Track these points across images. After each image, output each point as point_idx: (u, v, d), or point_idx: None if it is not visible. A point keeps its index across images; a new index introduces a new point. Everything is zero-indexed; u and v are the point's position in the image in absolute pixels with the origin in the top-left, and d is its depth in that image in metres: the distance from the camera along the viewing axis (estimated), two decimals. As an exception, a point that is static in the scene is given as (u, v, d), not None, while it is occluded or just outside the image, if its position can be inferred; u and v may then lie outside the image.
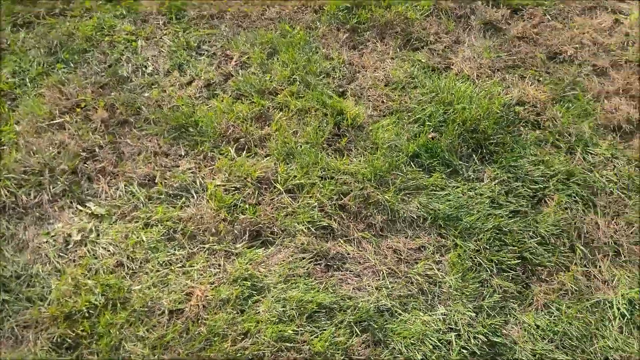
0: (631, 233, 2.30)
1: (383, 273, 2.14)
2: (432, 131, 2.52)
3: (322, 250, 2.18)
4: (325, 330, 1.98)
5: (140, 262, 2.10)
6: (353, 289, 2.11)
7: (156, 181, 2.30)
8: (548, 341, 2.03)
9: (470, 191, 2.36)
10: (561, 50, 2.93)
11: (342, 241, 2.22)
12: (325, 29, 2.93)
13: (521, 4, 3.14)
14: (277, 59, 2.76)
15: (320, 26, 2.94)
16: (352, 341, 1.97)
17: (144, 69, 2.70)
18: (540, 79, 2.80)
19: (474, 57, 2.85)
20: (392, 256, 2.19)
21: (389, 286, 2.11)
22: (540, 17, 3.07)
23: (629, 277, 2.19)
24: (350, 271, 2.15)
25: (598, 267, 2.22)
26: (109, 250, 2.11)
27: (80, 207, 2.21)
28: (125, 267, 2.08)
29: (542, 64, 2.86)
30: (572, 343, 2.03)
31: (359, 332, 1.99)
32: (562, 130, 2.58)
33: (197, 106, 2.55)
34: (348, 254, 2.19)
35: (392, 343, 1.98)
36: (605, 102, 2.72)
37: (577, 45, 2.95)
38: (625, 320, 2.09)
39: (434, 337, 1.99)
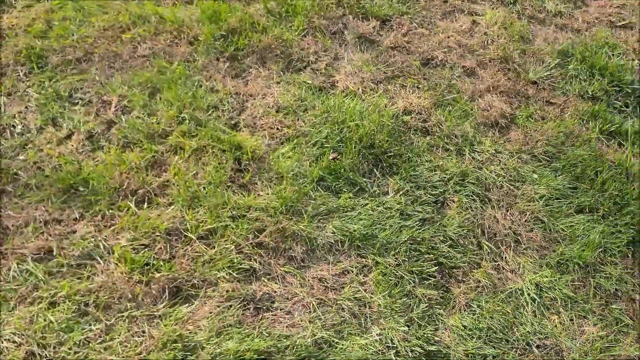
0: (525, 221, 2.50)
1: (313, 305, 2.13)
2: (332, 152, 2.55)
3: (248, 293, 2.12)
4: (268, 377, 1.94)
5: (54, 347, 1.90)
6: (287, 327, 2.08)
7: (54, 253, 2.09)
8: (476, 339, 2.15)
9: (379, 206, 2.42)
10: (432, 56, 3.10)
11: (266, 280, 2.17)
12: (205, 60, 2.84)
13: (388, 14, 3.27)
14: (160, 98, 2.63)
15: (199, 58, 2.85)
16: (297, 382, 1.95)
17: (12, 128, 2.44)
18: (420, 85, 2.94)
19: (356, 72, 2.93)
20: (319, 285, 2.19)
21: (322, 317, 2.11)
22: (408, 26, 3.22)
23: (531, 262, 2.38)
24: (280, 309, 2.12)
25: (504, 258, 2.39)
26: (14, 342, 1.89)
27: (-32, 299, 1.96)
28: (38, 357, 1.87)
29: (419, 71, 3.01)
30: (497, 336, 2.16)
31: (302, 372, 1.97)
32: (449, 133, 2.73)
33: (83, 162, 2.35)
34: (275, 292, 2.15)
35: (336, 375, 1.98)
36: (480, 100, 2.92)
37: (445, 49, 3.13)
38: (536, 303, 2.27)
39: (375, 360, 2.02)
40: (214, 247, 2.20)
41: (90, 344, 1.92)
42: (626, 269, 2.43)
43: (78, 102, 2.58)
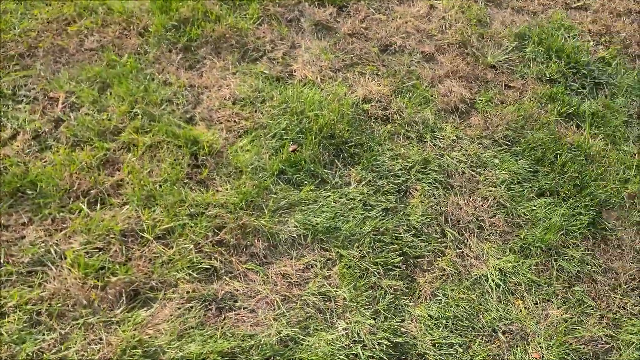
0: (487, 207, 2.50)
1: (277, 302, 2.09)
2: (292, 143, 2.49)
3: (210, 293, 2.06)
4: (233, 379, 1.89)
5: (5, 361, 1.81)
6: (251, 326, 2.03)
7: (1, 261, 1.99)
8: (443, 328, 2.14)
9: (342, 198, 2.38)
10: (391, 42, 3.06)
11: (227, 279, 2.11)
12: (156, 52, 2.73)
13: (344, 0, 3.20)
14: (111, 93, 2.52)
15: (150, 50, 2.74)
16: (263, 382, 1.90)
17: (-48, 130, 2.31)
18: (379, 73, 2.90)
19: (314, 60, 2.86)
20: (282, 282, 2.14)
21: (287, 313, 2.06)
22: (365, 12, 3.17)
23: (495, 248, 2.38)
24: (243, 308, 2.06)
25: (468, 245, 2.38)
26: (-39, 358, 1.79)
27: None
28: (-13, 372, 1.78)
29: (377, 58, 2.96)
30: (463, 324, 2.16)
31: (268, 371, 1.92)
32: (410, 121, 2.70)
33: (30, 163, 2.24)
34: (237, 290, 2.09)
35: (303, 373, 1.94)
36: (440, 86, 2.90)
37: (403, 35, 3.10)
38: (501, 289, 2.27)
39: (342, 355, 1.98)
40: (172, 247, 2.12)
41: (45, 355, 1.83)
42: (587, 250, 2.45)
43: (22, 100, 2.45)
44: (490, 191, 2.53)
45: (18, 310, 1.90)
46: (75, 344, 1.87)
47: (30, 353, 1.83)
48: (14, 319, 1.88)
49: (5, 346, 1.82)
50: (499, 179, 2.57)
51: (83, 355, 1.85)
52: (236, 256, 2.17)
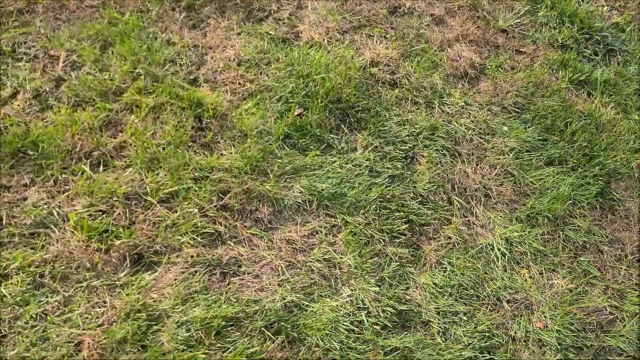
0: (495, 175, 2.46)
1: (282, 267, 2.07)
2: (298, 107, 2.44)
3: (214, 258, 2.04)
4: (237, 343, 1.88)
5: (9, 322, 1.80)
6: (255, 291, 2.02)
7: (3, 222, 1.96)
8: (447, 296, 2.13)
9: (348, 164, 2.34)
10: (400, 4, 2.97)
11: (232, 244, 2.10)
12: (159, 10, 2.65)
13: (353, -41, 3.10)
14: (113, 52, 2.45)
15: (152, 8, 2.65)
16: (267, 347, 1.90)
17: (-50, 87, 2.25)
18: (387, 35, 2.82)
19: (320, 22, 2.78)
20: (287, 247, 2.12)
21: (291, 279, 2.05)
22: (374, -28, 3.07)
23: (501, 217, 2.36)
24: (248, 273, 2.05)
25: (474, 213, 2.36)
26: (-35, 319, 1.78)
27: None
28: (-8, 333, 1.78)
29: (386, 20, 2.88)
30: (468, 292, 2.15)
31: (272, 337, 1.92)
32: (418, 86, 2.64)
33: (31, 123, 2.19)
34: (241, 255, 2.08)
35: (307, 338, 1.94)
36: (449, 50, 2.83)
37: (413, -4, 3.01)
38: (506, 258, 2.26)
39: (347, 321, 1.98)
40: (176, 211, 2.10)
41: (48, 317, 1.82)
42: (594, 220, 2.43)
43: (22, 58, 2.39)
44: (498, 159, 2.49)
45: (21, 272, 1.88)
46: (79, 307, 1.86)
47: (34, 315, 1.82)
48: (17, 281, 1.86)
49: (9, 308, 1.82)
50: (507, 147, 2.53)
51: (87, 318, 1.85)
52: (241, 221, 2.15)
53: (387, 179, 2.33)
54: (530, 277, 2.22)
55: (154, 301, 1.91)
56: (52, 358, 1.75)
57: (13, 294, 1.84)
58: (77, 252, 1.94)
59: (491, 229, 2.32)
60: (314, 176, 2.28)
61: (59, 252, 1.93)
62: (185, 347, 1.84)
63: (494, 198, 2.41)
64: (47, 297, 1.86)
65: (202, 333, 1.87)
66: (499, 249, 2.26)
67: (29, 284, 1.87)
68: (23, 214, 1.99)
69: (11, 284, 1.86)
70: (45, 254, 1.92)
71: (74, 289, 1.89)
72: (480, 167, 2.48)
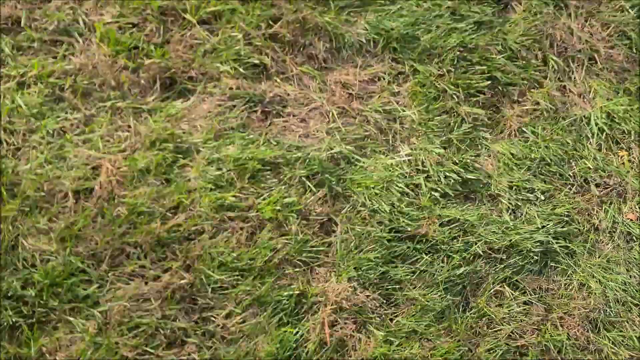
0: (607, 35, 2.01)
1: (333, 114, 1.78)
2: None
3: (256, 94, 1.76)
4: (273, 190, 1.65)
5: (23, 134, 1.61)
6: (299, 137, 1.75)
7: (22, 24, 1.72)
8: (525, 170, 1.80)
9: (426, 2, 1.94)
10: None
11: (278, 80, 1.80)
12: None
13: None
14: None
15: None
16: (306, 200, 1.66)
17: None
18: None
19: None
20: (342, 92, 1.81)
21: (342, 129, 1.76)
22: None
23: (606, 87, 1.95)
24: (293, 116, 1.77)
25: (573, 79, 1.95)
26: (-25, 125, 1.60)
27: None
28: (4, 144, 1.59)
29: None
30: (550, 169, 1.83)
31: (313, 188, 1.67)
32: None
33: None
34: (288, 94, 1.79)
35: (353, 195, 1.69)
36: None
37: None
38: (604, 135, 1.88)
39: (401, 183, 1.71)
40: (218, 35, 1.79)
41: (67, 135, 1.62)
42: None
43: None
44: (615, 16, 2.02)
45: (39, 82, 1.66)
46: (100, 128, 1.64)
47: (50, 131, 1.62)
48: (35, 91, 1.65)
49: (24, 119, 1.62)
50: (628, 2, 2.04)
51: (108, 141, 1.64)
52: (291, 55, 1.83)
53: (472, 25, 1.93)
54: (629, 160, 1.86)
55: (183, 132, 1.67)
56: (67, 179, 1.57)
57: (30, 105, 1.63)
58: (102, 67, 1.69)
59: (590, 99, 1.92)
60: (384, 12, 1.90)
61: (82, 65, 1.69)
62: (214, 187, 1.62)
63: (600, 63, 1.98)
64: (66, 112, 1.65)
65: (234, 174, 1.64)
66: (596, 124, 1.88)
67: (47, 96, 1.65)
68: (45, 17, 1.73)
69: (28, 93, 1.64)
70: (67, 65, 1.68)
71: (97, 108, 1.67)
72: (589, 24, 2.02)
